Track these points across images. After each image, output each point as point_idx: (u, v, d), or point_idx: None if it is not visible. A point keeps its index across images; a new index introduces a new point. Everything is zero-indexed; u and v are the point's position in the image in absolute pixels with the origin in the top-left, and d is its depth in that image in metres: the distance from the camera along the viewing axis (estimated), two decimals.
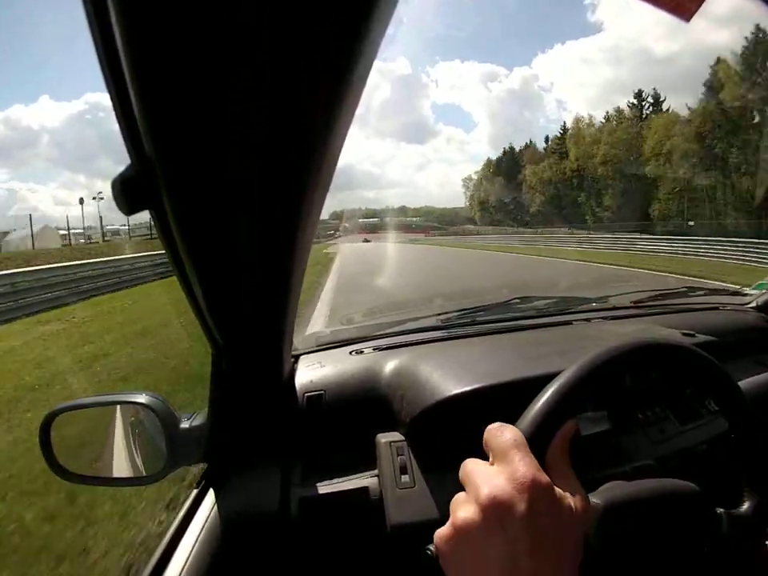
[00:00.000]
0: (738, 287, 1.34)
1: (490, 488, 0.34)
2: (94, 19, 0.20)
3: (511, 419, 0.50)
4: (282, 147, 0.26)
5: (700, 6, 0.27)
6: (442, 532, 0.37)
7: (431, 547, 0.54)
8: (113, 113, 0.24)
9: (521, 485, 0.33)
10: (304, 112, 0.24)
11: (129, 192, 0.26)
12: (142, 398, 0.58)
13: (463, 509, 0.35)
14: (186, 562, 0.53)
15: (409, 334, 0.89)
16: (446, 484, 0.61)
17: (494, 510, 0.33)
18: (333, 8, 0.20)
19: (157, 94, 0.22)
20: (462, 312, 1.03)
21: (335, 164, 0.29)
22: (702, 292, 1.28)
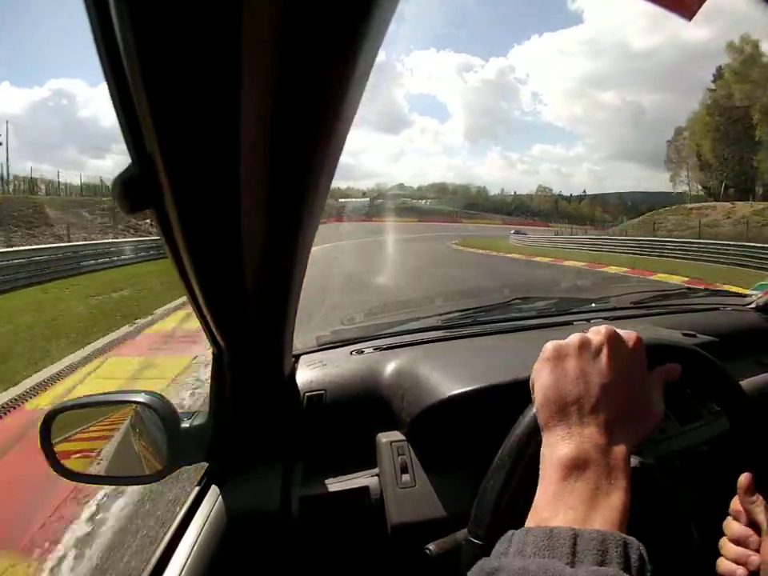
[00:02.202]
0: (739, 288, 1.34)
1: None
2: (96, 19, 0.20)
3: (512, 419, 0.50)
4: (282, 147, 0.26)
5: (702, 4, 0.27)
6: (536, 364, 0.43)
7: (430, 546, 0.54)
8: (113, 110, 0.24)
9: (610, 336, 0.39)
10: (305, 113, 0.24)
11: (130, 191, 0.26)
12: (143, 398, 0.58)
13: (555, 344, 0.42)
14: (186, 561, 0.53)
15: (409, 333, 0.89)
16: (447, 483, 0.61)
17: (582, 345, 0.40)
18: (336, 4, 0.20)
19: (158, 93, 0.22)
20: (463, 312, 1.03)
21: (336, 164, 0.30)
22: (702, 293, 1.28)
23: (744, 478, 0.45)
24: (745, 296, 1.22)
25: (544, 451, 0.36)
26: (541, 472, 0.35)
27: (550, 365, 0.40)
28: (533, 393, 0.41)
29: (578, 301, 1.16)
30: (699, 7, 0.27)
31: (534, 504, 0.34)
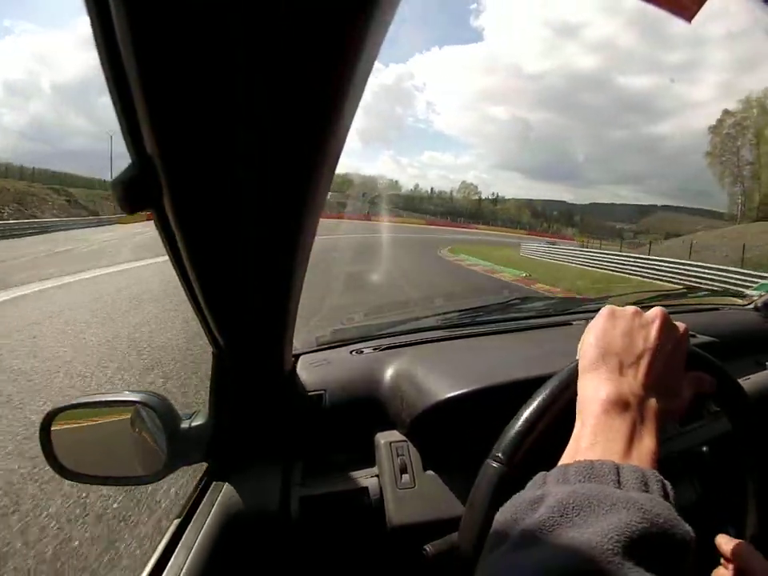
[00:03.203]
0: (739, 288, 1.34)
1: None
2: (96, 18, 0.20)
3: (511, 418, 0.50)
4: (283, 147, 0.26)
5: (701, 6, 0.27)
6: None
7: (428, 547, 0.54)
8: (113, 110, 0.24)
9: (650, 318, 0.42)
10: (304, 113, 0.24)
11: (130, 191, 0.26)
12: (142, 397, 0.58)
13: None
14: (186, 561, 0.53)
15: (409, 333, 0.89)
16: (446, 484, 0.61)
17: (636, 312, 0.42)
18: (336, 4, 0.20)
19: (158, 93, 0.22)
20: (463, 312, 1.03)
21: (336, 164, 0.30)
22: (702, 293, 1.28)
23: (721, 541, 0.46)
24: (745, 296, 1.22)
25: (584, 391, 0.39)
26: (579, 408, 0.38)
27: (602, 319, 0.43)
28: (580, 348, 0.43)
29: (577, 301, 1.16)
30: (698, 9, 0.27)
31: (573, 435, 0.36)
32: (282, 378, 0.66)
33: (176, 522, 0.58)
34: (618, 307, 0.43)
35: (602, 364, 0.39)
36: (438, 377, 0.68)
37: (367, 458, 0.65)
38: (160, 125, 0.24)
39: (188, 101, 0.23)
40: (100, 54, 0.22)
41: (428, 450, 0.64)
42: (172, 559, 0.53)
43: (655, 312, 0.42)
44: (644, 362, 0.38)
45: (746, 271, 11.20)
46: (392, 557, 0.59)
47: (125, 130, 0.25)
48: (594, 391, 0.37)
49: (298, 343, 0.82)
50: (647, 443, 0.34)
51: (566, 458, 0.34)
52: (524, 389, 0.52)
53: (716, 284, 10.37)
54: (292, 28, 0.20)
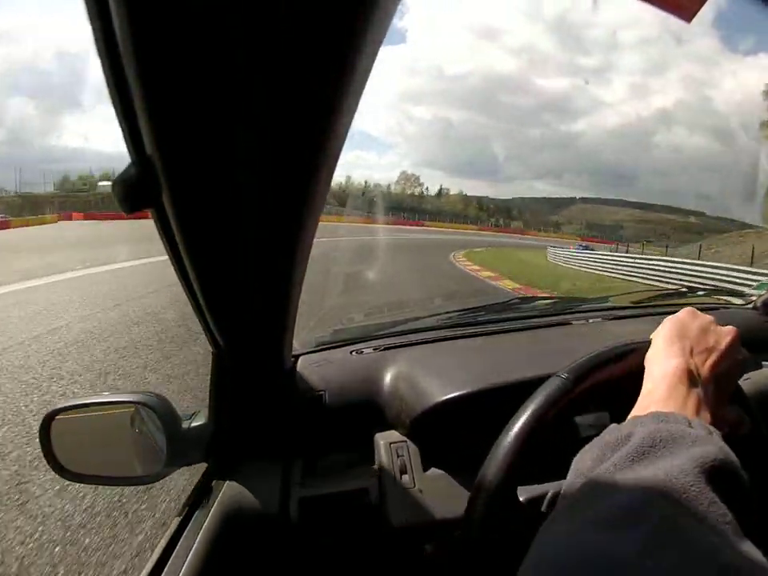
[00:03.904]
0: (739, 288, 1.34)
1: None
2: (96, 18, 0.20)
3: (511, 418, 0.50)
4: (282, 147, 0.26)
5: (701, 6, 0.27)
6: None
7: (427, 548, 0.55)
8: (112, 110, 0.24)
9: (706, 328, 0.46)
10: (304, 113, 0.24)
11: (130, 191, 0.26)
12: (142, 398, 0.58)
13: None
14: (185, 561, 0.53)
15: (409, 333, 0.89)
16: (446, 484, 0.61)
17: (713, 323, 0.47)
18: (336, 4, 0.20)
19: (158, 93, 0.22)
20: (463, 312, 1.03)
21: (336, 164, 0.29)
22: (701, 292, 1.28)
23: None
24: (745, 296, 1.22)
25: (656, 360, 0.43)
26: (649, 373, 0.43)
27: (684, 313, 0.48)
28: (657, 331, 0.47)
29: (577, 300, 1.16)
30: (699, 9, 0.27)
31: (642, 393, 0.40)
32: (282, 378, 0.66)
33: (176, 521, 0.58)
34: (698, 311, 0.48)
35: (677, 342, 0.43)
36: (438, 377, 0.68)
37: (367, 459, 0.65)
38: (160, 124, 0.24)
39: (187, 100, 0.23)
40: (100, 54, 0.22)
41: (428, 450, 0.64)
42: (171, 559, 0.53)
43: (730, 327, 0.46)
44: (711, 357, 0.42)
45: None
46: (392, 557, 0.59)
47: (124, 129, 0.25)
48: (667, 360, 0.42)
49: (297, 343, 0.82)
50: (707, 417, 0.37)
51: (638, 410, 0.38)
52: (524, 389, 0.52)
53: None
54: (292, 28, 0.20)
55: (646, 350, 0.46)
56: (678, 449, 0.30)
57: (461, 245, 22.59)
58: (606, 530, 0.26)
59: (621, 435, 0.33)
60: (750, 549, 0.25)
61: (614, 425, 0.36)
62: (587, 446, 0.35)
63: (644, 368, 0.45)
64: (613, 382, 0.51)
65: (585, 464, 0.33)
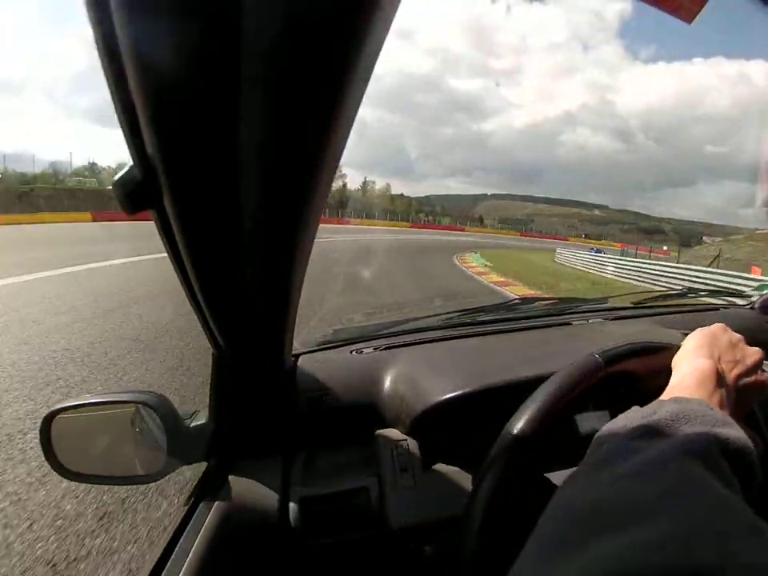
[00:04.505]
0: (739, 288, 1.34)
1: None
2: (97, 20, 0.20)
3: (510, 418, 0.50)
4: (282, 147, 0.26)
5: (702, 7, 0.27)
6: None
7: (427, 548, 0.55)
8: (114, 112, 0.24)
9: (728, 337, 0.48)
10: (305, 113, 0.24)
11: (131, 192, 0.27)
12: (143, 397, 0.58)
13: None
14: (185, 561, 0.53)
15: (409, 333, 0.89)
16: (447, 484, 0.61)
17: (741, 341, 0.49)
18: (337, 3, 0.20)
19: (159, 94, 0.22)
20: (463, 312, 1.03)
21: (337, 164, 0.30)
22: (702, 293, 1.28)
23: None
24: (745, 296, 1.22)
25: (684, 361, 0.45)
26: (676, 368, 0.45)
27: (715, 327, 0.49)
28: (687, 339, 0.49)
29: (578, 301, 1.16)
30: (699, 9, 0.27)
31: (669, 386, 0.42)
32: (282, 378, 0.66)
33: (176, 521, 0.58)
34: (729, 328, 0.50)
35: (706, 349, 0.45)
36: (439, 377, 0.68)
37: (367, 458, 0.65)
38: (161, 126, 0.24)
39: (188, 102, 0.23)
40: (101, 55, 0.22)
41: (428, 449, 0.64)
42: (171, 559, 0.53)
43: (758, 349, 0.48)
44: (737, 368, 0.44)
45: None
46: (392, 557, 0.59)
47: (126, 130, 0.25)
48: (696, 359, 0.44)
49: (297, 343, 0.82)
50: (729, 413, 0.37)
51: (668, 392, 0.40)
52: (524, 389, 0.53)
53: None
54: (292, 28, 0.20)
55: (675, 352, 0.48)
56: (700, 426, 0.31)
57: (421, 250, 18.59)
58: (627, 479, 0.27)
59: (645, 413, 0.34)
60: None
61: (636, 407, 0.36)
62: (608, 423, 0.36)
63: (668, 368, 0.46)
64: (630, 377, 0.54)
65: (607, 433, 0.35)
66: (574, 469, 0.33)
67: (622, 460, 0.29)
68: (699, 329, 0.49)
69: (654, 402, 0.37)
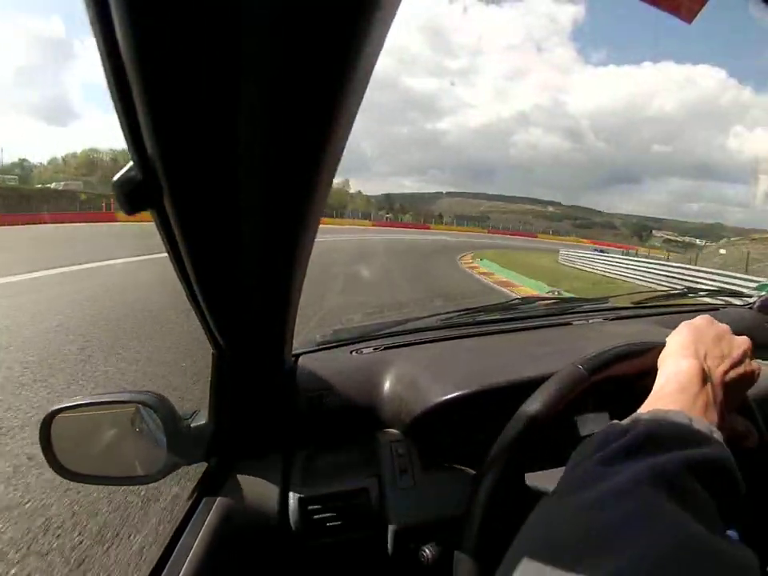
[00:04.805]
0: (739, 288, 1.34)
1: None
2: (97, 21, 0.20)
3: (510, 418, 0.50)
4: (283, 148, 0.26)
5: (702, 6, 0.27)
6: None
7: (426, 549, 0.55)
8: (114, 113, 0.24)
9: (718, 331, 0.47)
10: (305, 114, 0.24)
11: (130, 192, 0.27)
12: (143, 397, 0.58)
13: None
14: (185, 561, 0.52)
15: (409, 333, 0.89)
16: (447, 484, 0.61)
17: (728, 332, 0.48)
18: (337, 3, 0.20)
19: (159, 94, 0.22)
20: (463, 312, 1.03)
21: (337, 164, 0.30)
22: (702, 293, 1.28)
23: None
24: (745, 296, 1.22)
25: (669, 361, 0.44)
26: (662, 372, 0.44)
27: (700, 319, 0.48)
28: (672, 335, 0.49)
29: (578, 301, 1.16)
30: (699, 9, 0.27)
31: (654, 391, 0.42)
32: (282, 378, 0.66)
33: (176, 521, 0.58)
34: (715, 320, 0.50)
35: (691, 345, 0.45)
36: (438, 377, 0.68)
37: (367, 459, 0.65)
38: (161, 125, 0.24)
39: (188, 102, 0.23)
40: (101, 55, 0.22)
41: (428, 450, 0.64)
42: (171, 559, 0.53)
43: (745, 339, 0.47)
44: (724, 364, 0.44)
45: None
46: (392, 557, 0.59)
47: (126, 130, 0.25)
48: (681, 360, 0.43)
49: (297, 343, 0.82)
50: (714, 417, 0.38)
51: (647, 406, 0.39)
52: (524, 389, 0.53)
53: None
54: (292, 28, 0.20)
55: (660, 351, 0.47)
56: (673, 448, 0.31)
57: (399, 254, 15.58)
58: (592, 508, 0.27)
59: (619, 430, 0.34)
60: (727, 541, 0.26)
61: (614, 421, 0.36)
62: (587, 440, 0.36)
63: (656, 369, 0.45)
64: (620, 380, 0.53)
65: (581, 455, 0.35)
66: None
67: (588, 488, 0.29)
68: (684, 322, 0.49)
69: (632, 416, 0.37)
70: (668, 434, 0.32)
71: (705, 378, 0.41)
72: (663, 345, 0.48)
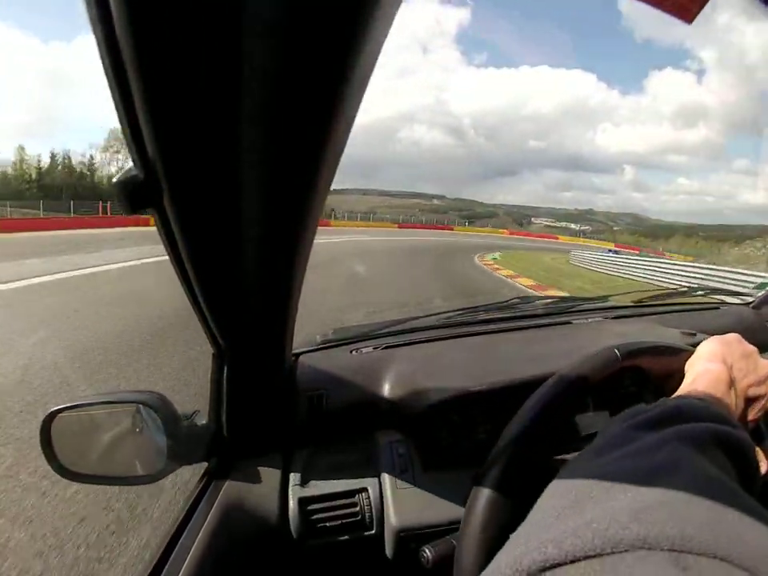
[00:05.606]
0: (739, 287, 1.34)
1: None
2: (98, 24, 0.20)
3: (511, 418, 0.50)
4: (282, 148, 0.26)
5: (702, 7, 0.27)
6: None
7: (426, 549, 0.55)
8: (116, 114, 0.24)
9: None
10: (305, 114, 0.24)
11: (131, 192, 0.27)
12: (143, 397, 0.58)
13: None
14: (185, 561, 0.53)
15: (409, 333, 0.89)
16: (446, 484, 0.61)
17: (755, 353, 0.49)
18: (337, 3, 0.20)
19: (160, 95, 0.22)
20: (463, 311, 1.03)
21: (336, 165, 0.30)
22: (702, 292, 1.28)
23: None
24: (745, 295, 1.22)
25: (698, 365, 0.47)
26: (689, 372, 0.47)
27: (731, 337, 0.50)
28: (701, 346, 0.50)
29: (578, 300, 1.16)
30: (699, 10, 0.27)
31: (681, 388, 0.44)
32: (282, 378, 0.66)
33: (176, 521, 0.58)
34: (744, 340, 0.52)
35: (720, 355, 0.46)
36: (438, 376, 0.68)
37: (367, 458, 0.65)
38: (161, 126, 0.24)
39: (189, 103, 0.23)
40: (102, 56, 0.22)
41: (428, 449, 0.64)
42: (171, 559, 0.53)
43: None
44: (748, 378, 0.45)
45: None
46: (392, 557, 0.59)
47: (127, 131, 0.25)
48: (710, 363, 0.45)
49: (297, 343, 0.82)
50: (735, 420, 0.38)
51: (681, 392, 0.41)
52: (524, 389, 0.53)
53: None
54: (293, 29, 0.20)
55: (690, 355, 0.49)
56: (700, 420, 0.32)
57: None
58: (621, 460, 0.28)
59: (647, 408, 0.35)
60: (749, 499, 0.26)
61: (641, 404, 0.37)
62: (625, 412, 0.37)
63: (681, 372, 0.48)
64: (639, 375, 0.55)
65: (608, 426, 0.36)
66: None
67: (618, 447, 0.31)
68: (714, 336, 0.50)
69: (659, 400, 0.38)
70: (696, 411, 0.34)
71: (730, 384, 0.43)
72: (693, 351, 0.50)
